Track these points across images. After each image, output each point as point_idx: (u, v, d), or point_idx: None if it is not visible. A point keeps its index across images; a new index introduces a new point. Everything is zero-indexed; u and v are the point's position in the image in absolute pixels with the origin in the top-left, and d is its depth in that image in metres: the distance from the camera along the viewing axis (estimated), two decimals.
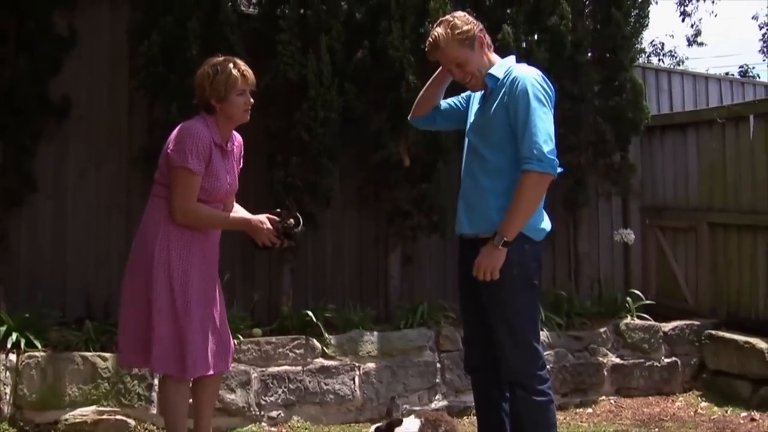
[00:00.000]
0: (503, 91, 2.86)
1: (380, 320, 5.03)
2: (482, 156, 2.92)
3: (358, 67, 4.94)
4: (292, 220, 3.11)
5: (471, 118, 3.09)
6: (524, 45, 5.17)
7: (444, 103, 3.25)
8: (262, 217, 3.12)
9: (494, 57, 3.00)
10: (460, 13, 2.97)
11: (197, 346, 2.98)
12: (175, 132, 3.04)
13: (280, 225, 3.10)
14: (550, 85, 2.90)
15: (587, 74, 5.50)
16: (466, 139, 3.08)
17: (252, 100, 3.15)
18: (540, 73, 2.91)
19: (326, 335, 4.48)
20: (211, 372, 3.05)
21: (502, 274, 2.80)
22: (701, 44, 15.91)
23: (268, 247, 3.14)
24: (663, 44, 16.76)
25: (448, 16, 2.98)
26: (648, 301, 5.43)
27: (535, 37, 5.35)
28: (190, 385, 3.14)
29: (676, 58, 16.07)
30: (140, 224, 3.12)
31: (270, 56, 4.74)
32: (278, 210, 3.20)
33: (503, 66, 2.95)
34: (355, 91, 4.91)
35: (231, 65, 3.08)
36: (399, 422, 3.03)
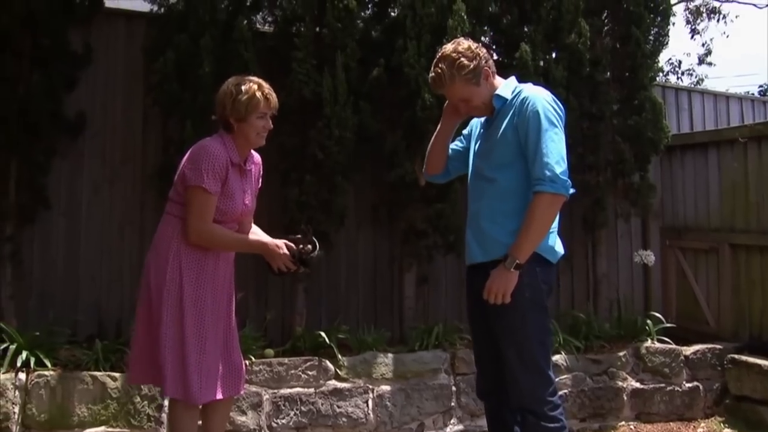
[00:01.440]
0: (512, 111, 2.81)
1: (395, 341, 4.94)
2: (490, 178, 2.85)
3: (373, 85, 4.90)
4: (309, 246, 3.04)
5: (475, 145, 3.03)
6: (542, 63, 5.11)
7: (451, 150, 3.18)
8: (279, 242, 3.05)
9: (498, 80, 2.95)
10: (464, 45, 2.85)
11: (207, 370, 2.92)
12: (191, 150, 2.99)
13: (296, 251, 3.03)
14: (561, 106, 2.85)
15: (606, 93, 5.42)
16: (471, 166, 3.02)
17: (272, 125, 3.09)
18: (550, 93, 2.86)
19: (339, 357, 4.40)
20: (220, 397, 2.98)
21: (513, 298, 2.73)
22: (710, 64, 15.82)
23: (284, 273, 3.07)
24: (680, 62, 16.70)
25: (451, 50, 2.83)
26: (668, 324, 5.30)
27: (553, 55, 5.30)
28: (200, 408, 3.06)
29: (694, 76, 15.94)
30: (152, 242, 3.07)
31: (285, 74, 4.71)
32: (296, 236, 3.12)
33: (509, 86, 2.90)
34: (370, 110, 4.86)
35: (256, 87, 3.02)
36: None
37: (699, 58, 16.03)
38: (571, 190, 2.75)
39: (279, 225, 4.92)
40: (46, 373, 3.98)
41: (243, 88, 3.00)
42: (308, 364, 4.33)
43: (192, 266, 2.94)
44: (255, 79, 3.08)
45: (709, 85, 15.27)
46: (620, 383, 4.88)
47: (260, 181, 3.26)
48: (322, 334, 4.47)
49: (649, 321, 5.23)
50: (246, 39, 4.64)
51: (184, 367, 2.88)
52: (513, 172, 2.79)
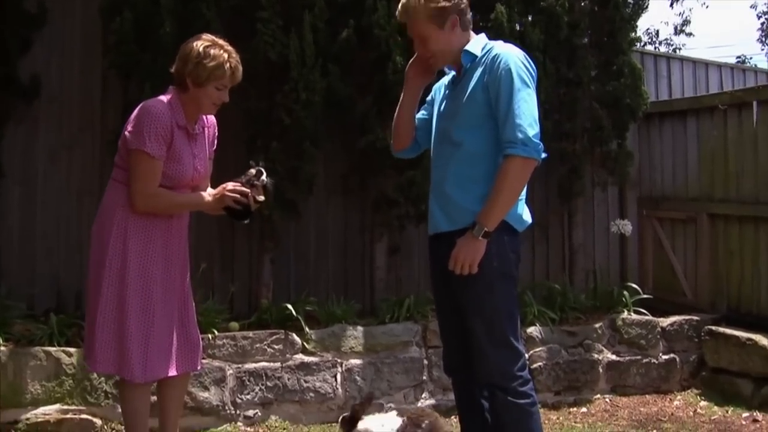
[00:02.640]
0: (482, 69, 2.64)
1: (365, 313, 4.80)
2: (456, 141, 2.67)
3: (343, 47, 4.70)
4: (252, 171, 2.87)
5: (439, 106, 2.84)
6: (518, 26, 4.93)
7: (417, 120, 2.99)
8: (225, 184, 2.88)
9: (471, 36, 2.77)
10: None
11: (156, 346, 2.74)
12: (134, 112, 2.80)
13: (242, 179, 2.86)
14: (533, 64, 2.68)
15: (584, 57, 5.26)
16: (434, 130, 2.83)
17: (228, 99, 2.89)
18: (522, 51, 2.68)
19: (307, 330, 4.25)
20: (174, 372, 2.82)
21: (481, 267, 2.57)
22: (689, 34, 15.69)
23: (245, 212, 2.88)
24: (658, 32, 16.56)
25: None
26: (645, 295, 5.20)
27: (530, 18, 5.12)
28: (154, 385, 2.90)
29: (671, 46, 15.79)
30: (97, 211, 2.88)
31: (249, 35, 4.48)
32: (243, 174, 2.96)
33: (479, 43, 2.72)
34: (339, 73, 4.67)
35: (226, 56, 2.81)
36: (364, 408, 2.78)
37: (675, 28, 15.90)
38: (543, 155, 2.59)
39: None
40: None
41: (212, 52, 2.79)
42: (274, 337, 4.18)
43: (138, 236, 2.76)
44: (227, 46, 2.86)
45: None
46: (596, 355, 4.78)
47: (215, 143, 3.06)
48: (289, 306, 4.32)
49: (625, 292, 5.13)
50: None
51: (123, 344, 2.70)
52: (481, 135, 2.63)
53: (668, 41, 15.30)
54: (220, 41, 2.85)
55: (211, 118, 3.02)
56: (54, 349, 3.83)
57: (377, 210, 4.96)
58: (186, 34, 4.34)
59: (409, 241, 5.23)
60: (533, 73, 2.64)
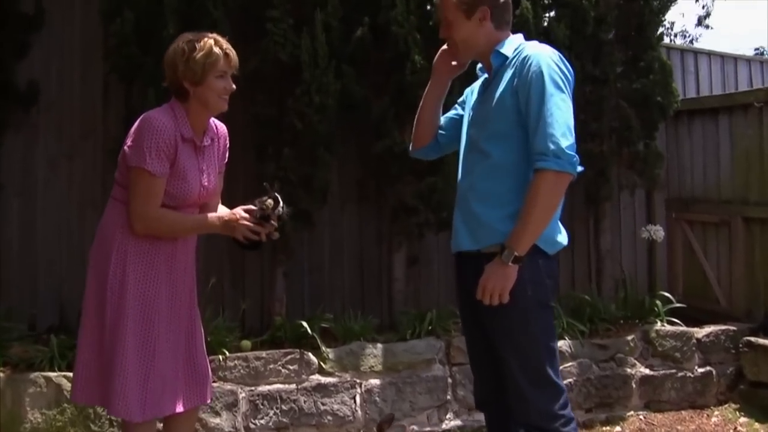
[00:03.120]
0: (512, 72, 2.37)
1: (384, 328, 4.54)
2: (484, 151, 2.40)
3: (358, 46, 4.43)
4: (270, 201, 2.59)
5: (470, 112, 2.57)
6: (544, 22, 4.66)
7: (444, 119, 2.71)
8: (235, 210, 2.62)
9: (507, 36, 2.49)
10: None
11: (158, 382, 2.48)
12: (134, 125, 2.55)
13: (257, 212, 2.58)
14: (569, 66, 2.40)
15: (610, 53, 4.98)
16: (464, 137, 2.55)
17: (234, 86, 2.64)
18: (556, 52, 2.41)
19: (323, 348, 3.99)
20: (181, 409, 2.56)
21: (513, 297, 2.29)
22: (707, 27, 15.37)
23: (255, 243, 2.61)
24: (673, 23, 16.21)
25: None
26: (678, 304, 4.92)
27: (553, 13, 4.86)
28: (159, 422, 2.65)
29: (687, 37, 15.44)
30: (96, 231, 2.63)
31: (259, 36, 4.24)
32: (256, 199, 2.67)
33: (512, 43, 2.45)
34: (354, 74, 4.40)
35: (212, 42, 2.58)
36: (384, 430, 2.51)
37: (699, 19, 15.56)
38: (579, 168, 2.31)
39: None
40: None
41: (196, 44, 2.55)
42: (289, 357, 3.92)
43: (139, 260, 2.50)
44: (210, 34, 2.62)
45: (701, 47, 14.80)
46: (629, 370, 4.51)
47: (226, 156, 2.80)
48: (304, 324, 4.05)
49: (657, 301, 4.85)
50: None
51: (117, 379, 2.44)
52: (510, 145, 2.35)
53: (684, 33, 14.95)
54: (202, 33, 2.60)
55: (222, 129, 2.76)
56: (54, 374, 3.58)
57: (395, 218, 4.70)
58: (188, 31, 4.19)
59: (428, 250, 4.97)
60: (569, 76, 2.36)
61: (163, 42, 4.03)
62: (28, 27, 4.45)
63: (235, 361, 3.83)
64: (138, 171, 2.46)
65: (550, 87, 2.27)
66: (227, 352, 3.83)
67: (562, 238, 2.45)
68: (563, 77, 2.32)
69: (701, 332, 4.76)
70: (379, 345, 4.10)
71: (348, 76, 4.36)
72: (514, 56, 2.41)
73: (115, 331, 2.43)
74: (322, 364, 3.97)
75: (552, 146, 2.23)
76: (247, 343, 4.03)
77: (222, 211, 2.73)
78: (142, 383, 2.44)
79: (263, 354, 3.90)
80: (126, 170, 2.51)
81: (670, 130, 5.66)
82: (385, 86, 4.50)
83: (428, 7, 4.57)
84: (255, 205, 2.59)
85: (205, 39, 2.56)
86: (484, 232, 2.37)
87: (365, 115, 4.56)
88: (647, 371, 4.57)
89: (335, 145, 4.44)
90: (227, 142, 2.77)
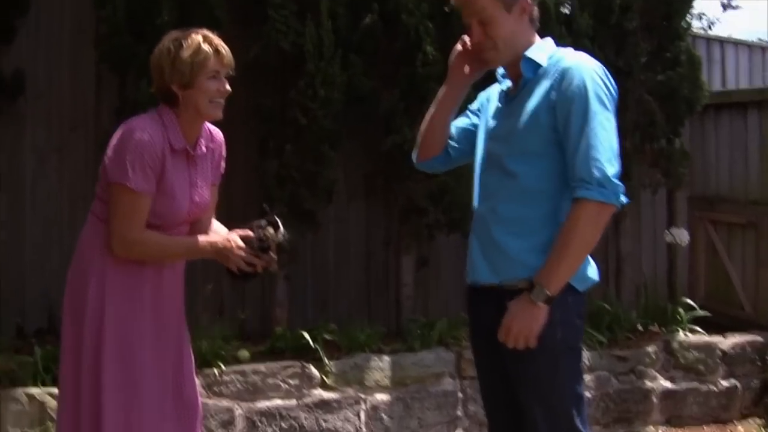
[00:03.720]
0: (548, 84, 2.07)
1: (391, 336, 4.28)
2: (510, 172, 2.10)
3: (366, 35, 4.13)
4: (270, 229, 2.31)
5: (489, 122, 2.26)
6: (566, 10, 4.36)
7: (454, 128, 2.39)
8: (231, 235, 2.33)
9: (536, 38, 2.18)
10: None
11: (143, 424, 2.23)
12: (116, 133, 2.27)
13: (254, 240, 2.30)
14: (612, 81, 2.12)
15: (635, 44, 4.67)
16: (481, 151, 2.24)
17: (229, 88, 2.35)
18: (599, 64, 2.11)
19: (326, 361, 3.74)
20: None
21: (541, 340, 2.02)
22: (736, 7, 14.93)
23: (248, 275, 2.35)
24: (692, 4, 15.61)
25: None
26: (702, 312, 4.66)
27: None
28: None
29: (703, 19, 14.97)
30: (75, 251, 2.37)
31: (259, 22, 3.95)
32: (254, 222, 2.37)
33: (544, 49, 2.15)
34: (361, 65, 4.12)
35: (200, 38, 2.28)
36: None
37: (723, 5, 15.08)
38: (624, 199, 2.04)
39: (256, 205, 4.23)
40: None
41: (183, 43, 2.26)
42: (289, 371, 3.68)
43: (121, 287, 2.23)
44: (198, 30, 2.33)
45: (716, 30, 14.37)
46: (649, 383, 4.27)
47: (222, 165, 2.52)
48: (306, 335, 3.80)
49: (681, 309, 4.59)
50: None
51: (98, 426, 2.18)
52: (543, 167, 2.07)
53: (701, 14, 14.49)
54: (190, 30, 2.31)
55: (218, 136, 2.47)
56: (38, 390, 3.35)
57: (405, 219, 4.42)
58: (187, 23, 3.84)
59: (437, 251, 4.71)
60: (614, 93, 2.08)
61: (157, 30, 3.76)
62: (12, 11, 4.16)
63: (232, 375, 3.59)
64: (119, 188, 2.19)
65: (594, 104, 1.99)
66: (223, 366, 3.59)
67: (593, 272, 2.17)
68: (608, 94, 2.05)
69: (726, 343, 4.51)
70: (386, 357, 3.85)
71: (355, 67, 4.08)
72: (550, 65, 2.11)
73: (93, 373, 2.18)
74: (324, 378, 3.73)
75: (596, 173, 1.96)
76: (245, 353, 3.79)
77: (216, 229, 2.45)
78: (125, 427, 2.18)
79: (262, 367, 3.66)
80: (107, 185, 2.24)
81: (695, 125, 5.35)
82: (395, 78, 4.21)
83: None
84: (253, 231, 2.31)
85: (193, 36, 2.27)
86: (508, 263, 2.09)
87: (373, 108, 4.28)
88: (669, 385, 4.32)
89: (341, 140, 4.17)
90: (223, 150, 2.49)
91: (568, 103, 2.00)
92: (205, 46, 2.26)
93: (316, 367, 3.73)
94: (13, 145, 4.26)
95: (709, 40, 5.86)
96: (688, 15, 4.84)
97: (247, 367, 3.64)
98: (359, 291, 4.63)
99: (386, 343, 4.09)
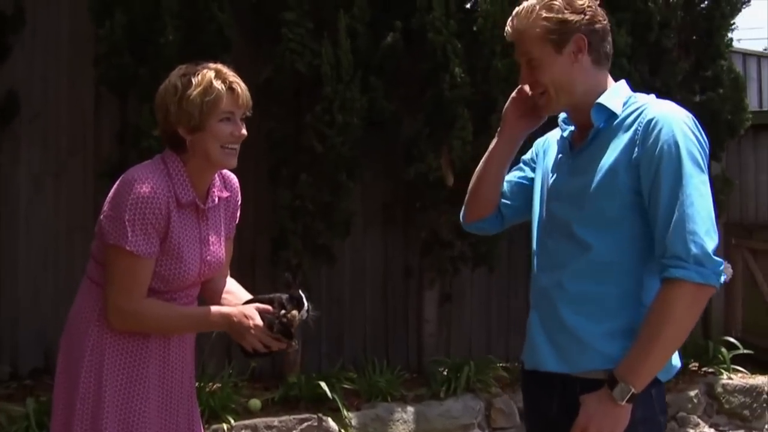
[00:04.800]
0: (628, 137, 1.75)
1: (412, 377, 3.98)
2: (581, 242, 1.78)
3: (387, 55, 3.85)
4: (294, 312, 1.99)
5: (548, 175, 1.93)
6: None
7: (507, 183, 2.06)
8: (248, 310, 1.98)
9: (607, 80, 1.85)
10: None
11: None
12: (115, 186, 1.95)
13: (275, 319, 1.99)
14: (704, 134, 1.77)
15: (673, 62, 4.37)
16: (541, 211, 1.92)
17: (245, 131, 2.03)
18: (689, 114, 1.77)
19: (345, 413, 3.43)
20: None
21: None
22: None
23: (264, 354, 2.04)
24: None
25: None
26: (745, 351, 4.35)
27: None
28: None
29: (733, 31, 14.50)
30: (67, 319, 2.05)
31: (272, 42, 3.68)
32: (273, 295, 2.03)
33: (618, 94, 1.83)
34: (382, 87, 3.81)
35: (212, 74, 1.95)
36: None
37: None
38: (724, 277, 1.69)
39: (266, 237, 3.93)
40: None
41: (193, 79, 1.94)
42: (305, 425, 3.38)
43: (120, 363, 1.91)
44: (211, 64, 2.01)
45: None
46: (691, 431, 3.95)
47: (237, 216, 2.20)
48: (323, 385, 3.49)
49: (723, 349, 4.28)
50: None
51: None
52: (620, 236, 1.75)
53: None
54: (200, 64, 1.99)
55: (233, 182, 2.13)
56: None
57: (427, 252, 4.12)
58: (193, 42, 3.59)
59: (461, 286, 4.40)
60: (707, 150, 1.74)
61: (161, 50, 3.50)
62: (6, 28, 3.88)
63: (242, 431, 3.28)
64: (116, 250, 1.87)
65: (688, 165, 1.67)
66: (232, 420, 3.28)
67: (677, 359, 1.85)
68: (702, 151, 1.71)
69: None
70: (410, 408, 3.56)
71: (376, 90, 3.80)
72: (628, 114, 1.78)
73: None
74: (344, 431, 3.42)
75: (694, 249, 1.64)
76: (256, 403, 3.49)
77: (232, 290, 2.13)
78: None
79: (275, 422, 3.35)
80: (103, 246, 1.93)
81: (732, 147, 5.05)
82: (419, 102, 3.92)
83: (467, 5, 3.99)
84: (273, 306, 1.99)
85: (204, 71, 1.94)
86: (581, 352, 1.76)
87: (393, 133, 3.99)
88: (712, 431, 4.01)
89: (359, 169, 3.86)
90: (239, 198, 2.17)
91: (655, 162, 1.68)
92: (218, 84, 1.94)
93: (334, 420, 3.43)
94: (8, 169, 4.01)
95: (746, 55, 5.54)
96: (729, 31, 4.53)
97: (259, 421, 3.34)
98: (376, 326, 4.33)
99: (408, 387, 3.81)
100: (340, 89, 3.64)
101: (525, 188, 2.03)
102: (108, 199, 1.93)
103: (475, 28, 3.79)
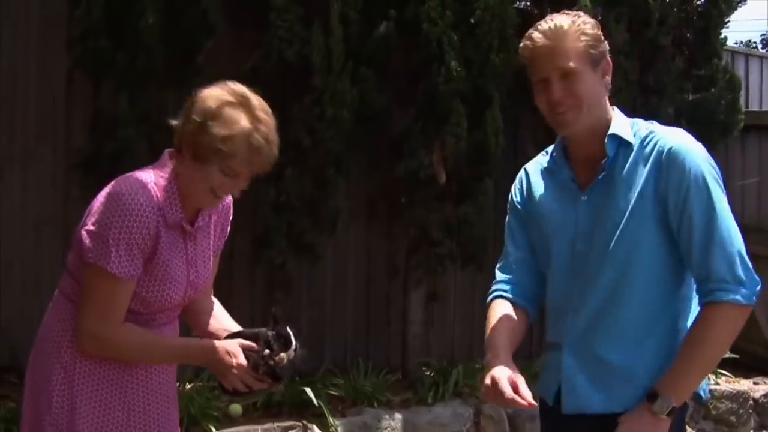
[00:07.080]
0: (646, 168, 1.75)
1: (398, 383, 3.86)
2: (615, 279, 1.82)
3: (380, 45, 3.69)
4: (282, 355, 1.81)
5: (554, 212, 1.86)
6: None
7: (516, 275, 1.94)
8: (232, 346, 1.79)
9: (609, 108, 1.83)
10: (588, 17, 1.80)
11: None
12: (101, 196, 1.74)
13: (260, 359, 1.80)
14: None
15: (667, 60, 4.29)
16: (562, 252, 1.84)
17: (237, 193, 1.82)
18: (693, 138, 1.81)
19: (331, 420, 3.30)
20: None
21: None
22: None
23: (244, 394, 1.87)
24: None
25: (572, 13, 1.81)
26: (730, 355, 4.30)
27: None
28: None
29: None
30: (36, 336, 1.85)
31: (259, 29, 3.50)
32: (257, 330, 1.85)
33: (622, 123, 1.82)
34: (374, 79, 3.66)
35: (248, 125, 1.70)
36: None
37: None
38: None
39: (246, 236, 3.76)
40: None
41: (228, 113, 1.69)
42: None
43: (95, 389, 1.73)
44: (261, 111, 1.73)
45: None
46: None
47: (227, 231, 2.00)
48: (308, 391, 3.34)
49: None
50: None
51: None
52: (654, 269, 1.78)
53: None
54: (256, 100, 1.74)
55: (227, 198, 1.93)
56: None
57: (414, 250, 3.99)
58: (175, 27, 3.40)
59: (445, 286, 4.29)
60: (718, 172, 1.80)
61: (141, 34, 3.29)
62: None
63: None
64: (96, 270, 1.66)
65: (715, 190, 1.72)
66: (213, 428, 3.11)
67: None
68: (719, 175, 1.78)
69: (758, 391, 4.22)
70: (397, 415, 3.44)
71: (368, 81, 3.63)
72: (644, 145, 1.76)
73: None
74: None
75: (739, 272, 1.69)
76: (237, 408, 3.33)
77: (216, 315, 1.95)
78: None
79: (258, 429, 3.20)
80: (81, 263, 1.73)
81: (720, 148, 4.99)
82: (410, 95, 3.77)
83: None
84: (258, 343, 1.80)
85: (244, 116, 1.70)
86: (627, 388, 1.75)
87: (382, 126, 3.84)
88: None
89: (348, 163, 3.71)
90: (230, 214, 1.97)
91: (683, 192, 1.71)
92: (244, 141, 1.68)
93: (319, 427, 3.28)
94: None
95: (734, 53, 5.50)
96: (722, 29, 4.47)
97: (242, 429, 3.18)
98: (358, 327, 4.20)
99: (394, 391, 3.69)
100: (331, 80, 3.47)
101: (537, 274, 1.93)
102: (92, 210, 1.72)
103: (472, 20, 3.65)
